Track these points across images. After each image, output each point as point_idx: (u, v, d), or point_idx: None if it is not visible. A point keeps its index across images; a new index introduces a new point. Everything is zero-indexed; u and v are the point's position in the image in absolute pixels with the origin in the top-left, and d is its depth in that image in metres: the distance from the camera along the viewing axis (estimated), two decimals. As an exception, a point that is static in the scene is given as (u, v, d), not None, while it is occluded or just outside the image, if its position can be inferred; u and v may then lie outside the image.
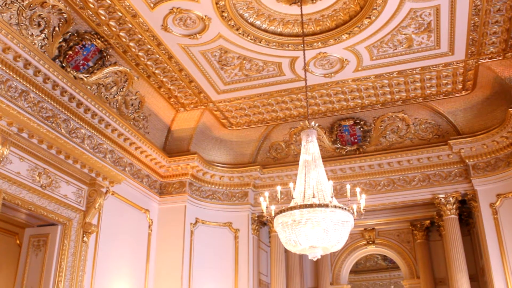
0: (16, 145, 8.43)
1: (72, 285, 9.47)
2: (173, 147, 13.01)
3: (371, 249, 15.95)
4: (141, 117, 11.96)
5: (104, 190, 10.40)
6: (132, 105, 11.51)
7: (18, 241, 12.45)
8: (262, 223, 13.86)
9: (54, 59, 9.21)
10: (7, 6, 8.01)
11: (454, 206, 12.48)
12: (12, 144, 8.25)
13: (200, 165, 12.87)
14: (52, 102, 9.20)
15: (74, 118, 9.79)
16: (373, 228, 15.38)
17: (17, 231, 12.35)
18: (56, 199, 9.35)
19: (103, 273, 10.46)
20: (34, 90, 8.79)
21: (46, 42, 8.97)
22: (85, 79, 9.99)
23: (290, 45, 10.15)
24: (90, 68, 10.03)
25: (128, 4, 8.86)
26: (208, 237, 12.90)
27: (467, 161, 12.24)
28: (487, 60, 10.78)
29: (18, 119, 8.16)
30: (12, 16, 8.15)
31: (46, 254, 9.47)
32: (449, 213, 12.48)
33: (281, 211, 7.27)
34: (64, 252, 9.50)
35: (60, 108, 9.42)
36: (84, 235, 9.95)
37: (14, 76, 8.35)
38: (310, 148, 7.76)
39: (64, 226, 9.65)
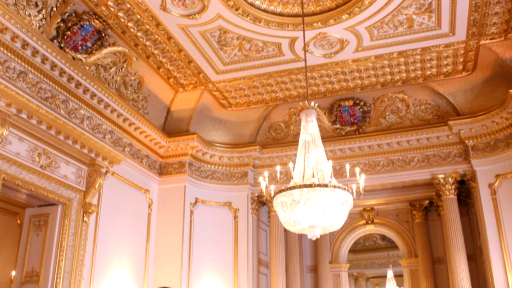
0: (16, 126, 8.43)
1: (73, 264, 9.56)
2: (172, 127, 13.01)
3: (370, 229, 16.07)
4: (140, 98, 11.93)
5: (103, 170, 10.43)
6: (131, 85, 11.48)
7: (19, 221, 12.54)
8: (261, 202, 13.93)
9: (52, 40, 9.15)
10: (4, -15, 7.94)
11: (453, 187, 12.52)
12: (11, 125, 8.25)
13: (199, 145, 12.89)
14: (50, 83, 9.18)
15: (73, 98, 9.77)
16: (372, 208, 15.47)
17: (18, 211, 12.44)
18: (56, 179, 9.38)
19: (103, 253, 10.54)
20: (33, 71, 8.75)
21: (44, 22, 8.90)
22: (83, 59, 9.94)
23: (289, 26, 10.09)
24: (89, 49, 9.97)
25: (126, -17, 8.79)
26: (208, 216, 12.98)
27: (466, 142, 12.25)
28: (488, 41, 10.71)
29: (17, 100, 8.14)
30: (9, -4, 8.08)
31: (47, 233, 9.54)
32: (448, 193, 12.54)
33: (280, 191, 7.29)
34: (64, 232, 9.57)
35: (59, 89, 9.40)
36: (84, 215, 10.01)
37: (12, 57, 8.31)
38: (310, 128, 7.75)
39: (65, 206, 9.70)
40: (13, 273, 11.51)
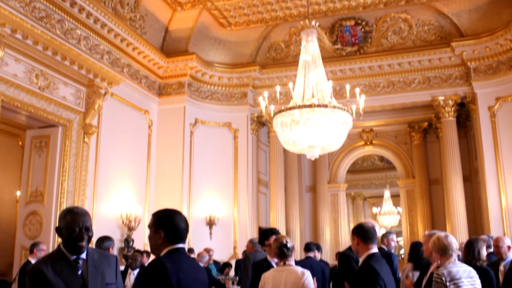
0: (11, 47, 8.28)
1: (76, 184, 9.73)
2: (171, 47, 12.80)
3: (369, 150, 16.22)
4: (138, 17, 11.65)
5: (102, 91, 10.37)
6: (127, 4, 11.17)
7: (20, 143, 12.62)
8: (261, 123, 13.97)
9: (44, -45, 8.81)
10: None
11: (453, 109, 12.52)
12: (6, 46, 8.11)
13: (198, 65, 12.75)
14: (44, 2, 8.92)
15: (68, 18, 9.54)
16: (371, 129, 15.54)
17: (19, 133, 12.49)
18: (55, 101, 9.35)
19: (105, 173, 10.70)
20: (25, -12, 8.49)
21: None
22: (77, -24, 9.62)
23: None
24: (82, -35, 9.62)
25: None
26: (207, 137, 13.06)
27: (468, 63, 12.10)
28: (496, -42, 10.32)
29: (10, 20, 7.95)
30: None
31: (49, 155, 9.64)
32: (447, 115, 12.55)
33: (280, 111, 7.30)
34: (66, 153, 9.67)
35: (54, 8, 9.15)
36: (85, 136, 10.07)
37: (3, -26, 8.03)
38: (310, 48, 7.64)
39: (65, 127, 9.74)
40: (18, 193, 11.74)
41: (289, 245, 4.28)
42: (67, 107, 9.66)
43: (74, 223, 2.85)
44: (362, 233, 3.59)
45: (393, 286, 3.37)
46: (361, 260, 3.52)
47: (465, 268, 3.88)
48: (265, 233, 5.21)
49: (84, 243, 2.87)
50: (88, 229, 2.90)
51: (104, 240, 5.25)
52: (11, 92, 8.39)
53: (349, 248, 5.39)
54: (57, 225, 2.92)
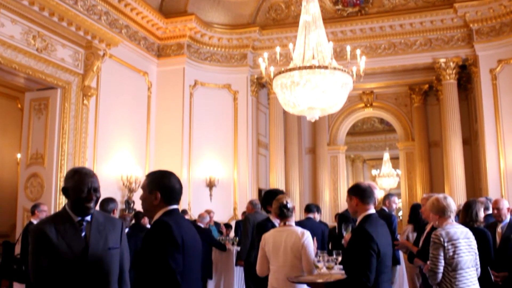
0: (6, 7, 8.16)
1: (76, 146, 9.75)
2: (169, 8, 12.60)
3: (369, 112, 16.17)
4: (135, -23, 11.44)
5: (101, 53, 10.28)
6: (125, -37, 10.96)
7: (19, 105, 12.60)
8: (261, 85, 13.89)
9: None
10: None
11: (454, 71, 12.42)
12: (2, 7, 8.00)
13: (197, 26, 12.59)
14: (40, -39, 8.75)
15: (65, -22, 9.38)
16: (372, 91, 15.46)
17: (18, 95, 12.45)
18: (53, 62, 9.27)
19: (105, 135, 10.71)
20: None
21: None
22: None
23: None
24: None
25: None
26: (207, 99, 13.01)
27: (471, 25, 11.94)
28: None
29: (6, -20, 7.82)
30: None
31: (48, 117, 9.63)
32: (448, 77, 12.46)
33: (280, 72, 7.25)
34: (65, 115, 9.65)
35: (49, -33, 8.97)
36: (84, 98, 10.03)
37: None
38: (311, 9, 7.53)
39: (64, 89, 9.69)
40: (19, 155, 11.78)
41: (289, 205, 4.30)
42: (65, 69, 9.58)
43: (82, 184, 2.81)
44: (361, 192, 3.53)
45: (389, 248, 3.36)
46: (358, 220, 3.48)
47: (462, 229, 3.92)
48: (270, 194, 5.23)
49: (92, 204, 2.84)
50: (97, 190, 2.87)
51: (109, 202, 5.24)
52: (8, 54, 8.31)
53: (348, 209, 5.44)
54: (62, 185, 2.88)
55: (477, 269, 3.93)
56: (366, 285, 3.06)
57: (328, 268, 3.81)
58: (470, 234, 3.93)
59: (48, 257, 2.66)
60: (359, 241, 3.20)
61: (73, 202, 2.82)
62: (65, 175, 2.93)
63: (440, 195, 4.09)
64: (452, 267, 3.75)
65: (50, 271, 2.65)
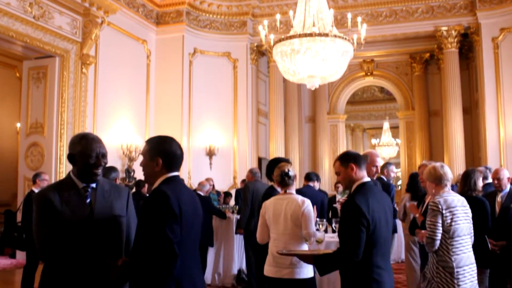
0: (3, -26, 8.05)
1: (76, 115, 9.73)
2: (168, -26, 12.42)
3: (369, 81, 16.10)
4: None
5: (99, 20, 10.17)
6: None
7: (17, 74, 12.53)
8: (261, 53, 13.79)
9: None
10: None
11: (456, 40, 12.31)
12: (-2, -27, 7.88)
13: (197, -8, 12.42)
14: None
15: None
16: (372, 60, 15.36)
17: (16, 64, 12.38)
18: (50, 30, 9.19)
19: (104, 104, 10.69)
20: None
21: None
22: None
23: None
24: None
25: None
26: (207, 67, 12.93)
27: (474, -8, 11.80)
28: None
29: None
30: None
31: (47, 86, 9.59)
32: (449, 46, 12.35)
33: (280, 40, 7.18)
34: (64, 84, 9.62)
35: None
36: (82, 66, 9.97)
37: None
38: (311, -25, 7.41)
39: (62, 57, 9.63)
40: (18, 125, 11.77)
41: (290, 173, 4.29)
42: (63, 37, 9.49)
43: (90, 149, 2.72)
44: (358, 158, 3.31)
45: (387, 215, 3.27)
46: (353, 189, 3.26)
47: (458, 197, 3.95)
48: (274, 163, 5.23)
49: (100, 171, 2.76)
50: (104, 156, 2.79)
51: (111, 171, 5.18)
52: (5, 21, 8.23)
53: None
54: (68, 152, 2.79)
55: (471, 237, 3.97)
56: (354, 260, 2.98)
57: (317, 242, 3.80)
58: (465, 202, 3.95)
59: (52, 223, 2.61)
60: (348, 215, 3.06)
61: (80, 168, 2.73)
62: (70, 141, 2.84)
63: (437, 164, 4.10)
64: (450, 234, 3.78)
65: (54, 238, 2.61)
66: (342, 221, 3.12)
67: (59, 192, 2.69)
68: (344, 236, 3.04)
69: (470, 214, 3.94)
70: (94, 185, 2.79)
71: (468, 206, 3.95)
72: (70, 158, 2.76)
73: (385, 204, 3.24)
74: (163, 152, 2.73)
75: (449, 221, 3.77)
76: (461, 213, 3.83)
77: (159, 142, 2.80)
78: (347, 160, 3.30)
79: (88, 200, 2.74)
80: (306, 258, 3.36)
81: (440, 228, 3.77)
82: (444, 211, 3.77)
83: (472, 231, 3.98)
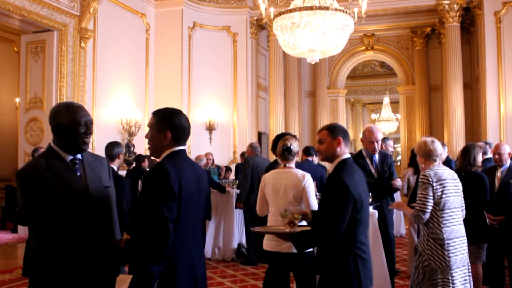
0: None
1: (75, 90, 9.70)
2: None
3: (370, 55, 16.00)
4: None
5: (97, -6, 10.05)
6: None
7: (16, 49, 12.45)
8: (260, 27, 13.66)
9: None
10: None
11: (457, 14, 12.18)
12: None
13: (196, -36, 12.25)
14: None
15: None
16: (373, 34, 15.24)
17: (13, 38, 12.29)
18: (48, 4, 9.09)
19: (103, 78, 10.63)
20: None
21: None
22: None
23: None
24: None
25: None
26: (206, 41, 12.83)
27: (477, -35, 11.63)
28: None
29: None
30: None
31: (46, 60, 9.54)
32: (451, 20, 12.23)
33: (280, 14, 7.12)
34: (63, 58, 9.56)
35: None
36: (81, 40, 9.90)
37: None
38: None
39: (60, 31, 9.55)
40: (17, 100, 11.74)
41: (292, 148, 4.27)
42: (61, 10, 9.40)
43: (79, 118, 2.58)
44: (344, 132, 3.21)
45: (366, 194, 3.14)
46: (334, 164, 3.13)
47: (449, 171, 3.97)
48: (278, 139, 5.23)
49: (89, 139, 2.64)
50: (92, 124, 2.66)
51: (114, 147, 5.01)
52: (3, -6, 8.14)
53: (358, 154, 5.47)
54: (53, 123, 2.61)
55: (462, 210, 4.00)
56: (334, 237, 2.90)
57: (294, 219, 3.71)
58: (456, 175, 3.98)
59: (47, 201, 2.46)
60: (335, 192, 2.95)
61: (68, 139, 2.58)
62: (51, 111, 2.65)
63: (428, 138, 4.12)
64: (440, 207, 3.82)
65: (51, 217, 2.46)
66: (327, 197, 3.01)
67: (48, 167, 2.52)
68: (327, 213, 2.95)
69: (461, 188, 3.97)
70: (80, 156, 2.66)
71: (458, 179, 3.97)
72: (57, 129, 2.60)
73: (365, 182, 3.17)
74: (172, 125, 2.64)
75: (439, 193, 3.82)
76: (451, 186, 3.86)
77: (168, 114, 2.69)
78: (336, 132, 3.18)
79: (78, 174, 2.62)
80: (283, 235, 3.25)
81: (431, 201, 3.82)
82: (434, 184, 3.82)
83: (463, 204, 4.01)
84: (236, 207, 8.04)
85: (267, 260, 4.37)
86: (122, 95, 11.21)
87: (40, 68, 9.57)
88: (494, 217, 5.12)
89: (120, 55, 11.20)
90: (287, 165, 4.28)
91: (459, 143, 11.43)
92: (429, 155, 3.99)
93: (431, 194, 3.81)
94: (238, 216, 8.15)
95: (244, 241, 8.01)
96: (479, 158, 5.14)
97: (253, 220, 6.48)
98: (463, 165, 5.09)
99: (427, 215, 3.82)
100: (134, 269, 2.45)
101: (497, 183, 5.43)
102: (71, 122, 2.57)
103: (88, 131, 2.61)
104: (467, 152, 5.11)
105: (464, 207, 4.02)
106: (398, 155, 19.04)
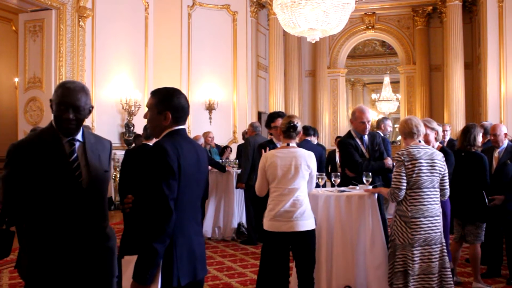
0: None
1: (74, 69, 9.65)
2: None
3: (370, 34, 15.91)
4: None
5: (95, -28, 9.96)
6: None
7: (13, 28, 12.35)
8: (260, 5, 13.56)
9: None
10: None
11: (460, -8, 12.10)
12: None
13: None
14: None
15: None
16: (374, 13, 15.13)
17: (11, 17, 12.18)
18: (46, -18, 9.01)
19: (103, 58, 10.58)
20: None
21: None
22: None
23: None
24: None
25: None
26: (206, 20, 12.73)
27: None
28: None
29: None
30: None
31: (44, 39, 9.48)
32: (453, -1, 12.16)
33: (280, -7, 7.06)
34: (61, 38, 9.50)
35: None
36: (79, 19, 9.82)
37: None
38: None
39: (58, 10, 9.47)
40: (16, 79, 11.69)
41: (298, 127, 4.20)
42: (59, -12, 9.32)
43: (63, 100, 2.44)
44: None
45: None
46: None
47: (426, 150, 3.98)
48: (272, 116, 5.20)
49: (72, 125, 2.48)
50: (77, 109, 2.47)
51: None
52: (0, -28, 8.05)
53: (348, 135, 5.43)
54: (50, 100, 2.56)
55: (443, 190, 4.05)
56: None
57: None
58: (436, 155, 3.98)
59: (26, 177, 2.38)
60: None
61: (55, 119, 2.49)
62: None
63: (408, 117, 4.23)
64: (409, 185, 3.90)
65: (39, 199, 2.39)
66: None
67: (39, 145, 2.45)
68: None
69: (439, 168, 3.98)
70: (80, 138, 2.57)
71: (437, 159, 3.98)
72: (51, 107, 2.51)
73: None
74: (172, 106, 2.60)
75: (410, 172, 3.90)
76: (425, 166, 3.91)
77: (167, 95, 2.64)
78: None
79: (74, 155, 2.51)
80: None
81: (405, 178, 3.90)
82: (406, 163, 3.90)
83: (445, 185, 4.05)
84: (237, 187, 8.05)
85: (267, 239, 4.35)
86: (122, 74, 11.17)
87: (38, 47, 9.51)
88: (493, 196, 5.13)
89: (119, 34, 11.12)
90: (290, 144, 4.19)
91: (459, 123, 11.43)
92: (408, 134, 4.09)
93: (404, 172, 3.90)
94: (238, 195, 8.17)
95: (244, 220, 8.04)
96: (479, 138, 5.14)
97: (253, 199, 6.49)
98: (463, 145, 5.09)
99: (403, 192, 3.92)
100: (139, 249, 2.44)
101: (494, 164, 5.44)
102: (55, 103, 2.48)
103: (65, 116, 2.45)
104: (467, 132, 5.11)
105: (447, 187, 4.05)
106: (398, 136, 19.03)
